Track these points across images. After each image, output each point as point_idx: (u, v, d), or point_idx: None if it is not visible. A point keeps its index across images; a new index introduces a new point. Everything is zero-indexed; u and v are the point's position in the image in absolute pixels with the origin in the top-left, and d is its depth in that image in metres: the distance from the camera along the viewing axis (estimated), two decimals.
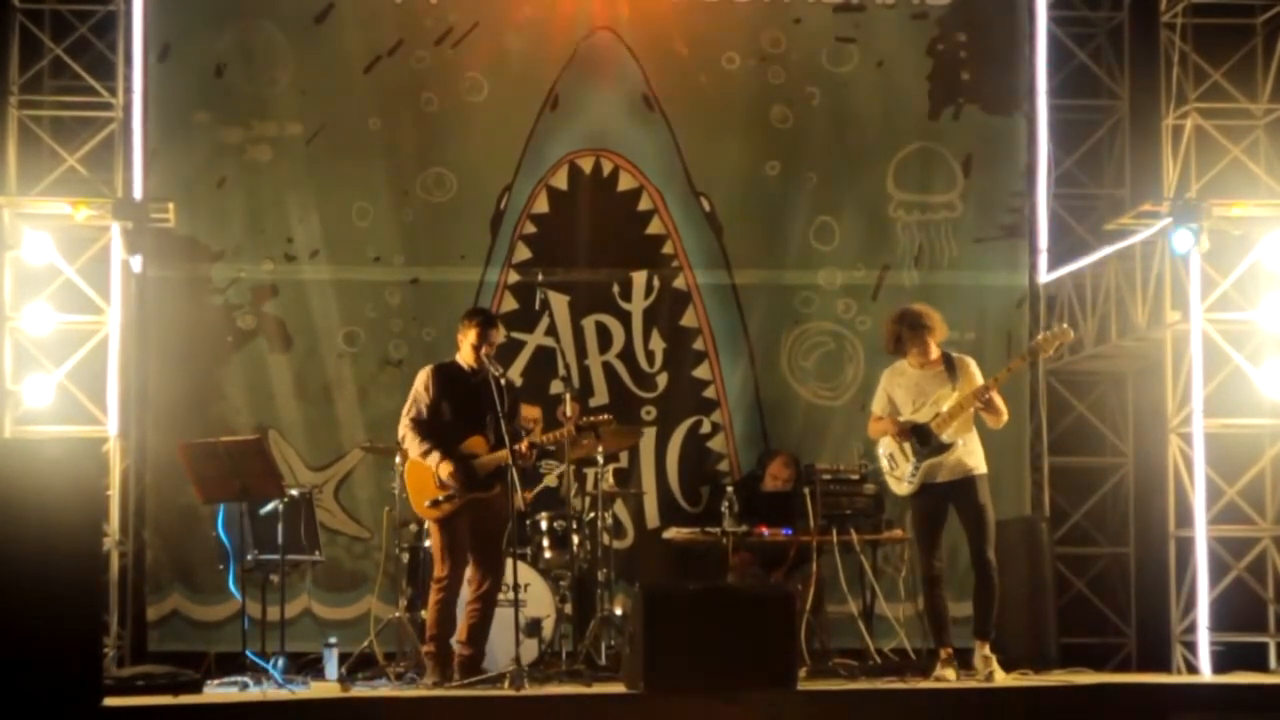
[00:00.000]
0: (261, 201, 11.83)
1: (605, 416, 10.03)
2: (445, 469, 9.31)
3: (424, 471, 9.41)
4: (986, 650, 9.59)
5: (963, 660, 9.72)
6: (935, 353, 9.78)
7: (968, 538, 9.73)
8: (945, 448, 9.62)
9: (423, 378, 9.57)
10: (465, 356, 9.53)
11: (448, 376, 9.54)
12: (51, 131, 11.58)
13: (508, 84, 12.03)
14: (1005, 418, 9.74)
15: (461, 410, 9.46)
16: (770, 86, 12.17)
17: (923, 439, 9.66)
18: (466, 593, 9.49)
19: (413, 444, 9.45)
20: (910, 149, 12.21)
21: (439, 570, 9.41)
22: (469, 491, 9.34)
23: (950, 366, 9.75)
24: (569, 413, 10.21)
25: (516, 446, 9.31)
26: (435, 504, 9.36)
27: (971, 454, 9.68)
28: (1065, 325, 9.97)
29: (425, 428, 9.44)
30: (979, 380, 9.72)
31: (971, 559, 9.72)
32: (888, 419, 9.80)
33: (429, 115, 11.96)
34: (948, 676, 9.53)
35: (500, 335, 9.73)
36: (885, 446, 9.87)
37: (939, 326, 9.79)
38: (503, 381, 9.45)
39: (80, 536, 7.99)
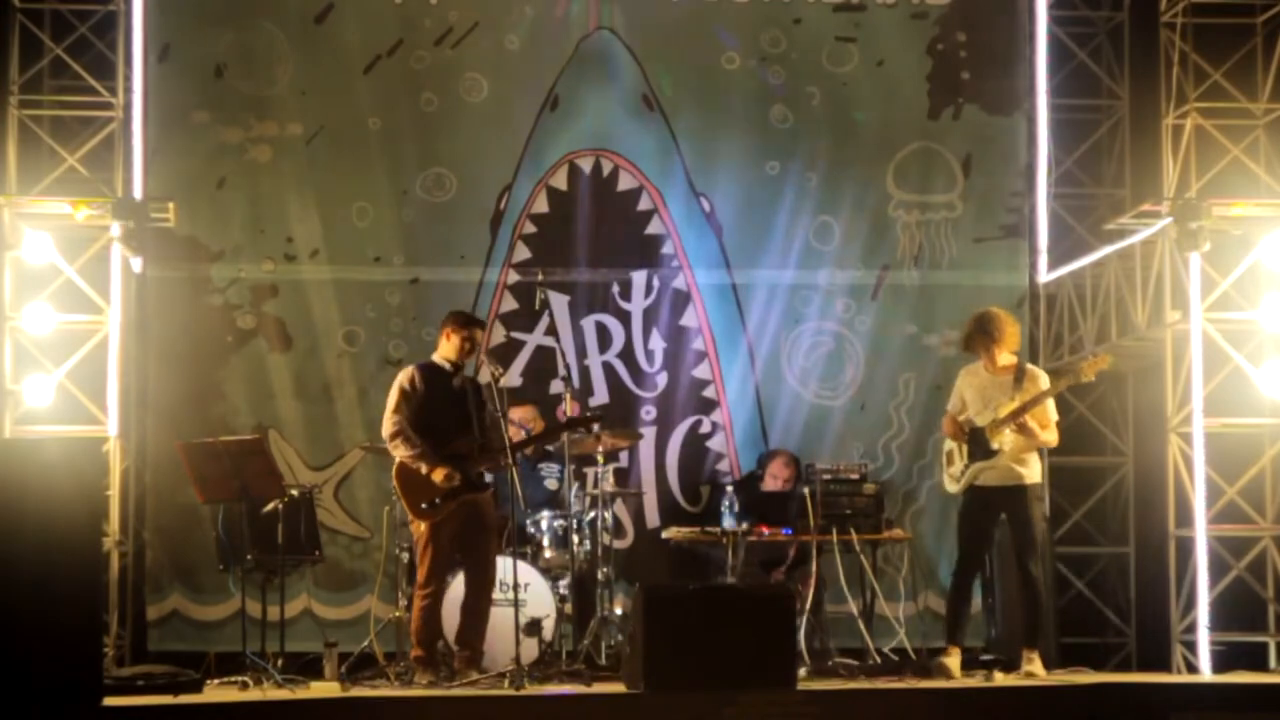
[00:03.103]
0: (261, 201, 11.83)
1: (591, 413, 10.04)
2: (439, 475, 9.32)
3: (417, 472, 9.42)
4: (1034, 656, 9.80)
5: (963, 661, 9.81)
6: (1002, 361, 9.96)
7: (1013, 546, 9.94)
8: (992, 454, 9.74)
9: (407, 376, 9.55)
10: (446, 355, 9.56)
11: (432, 375, 9.56)
12: (51, 131, 11.57)
13: (508, 84, 12.03)
14: (1046, 440, 9.91)
15: (449, 410, 9.48)
16: (770, 86, 12.17)
17: (975, 442, 9.81)
18: (461, 594, 9.53)
19: (403, 447, 9.42)
20: (910, 149, 12.21)
21: (424, 574, 9.41)
22: (464, 493, 9.36)
23: (1019, 377, 9.91)
24: (569, 412, 10.23)
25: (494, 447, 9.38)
26: (432, 506, 9.36)
27: (1024, 464, 9.84)
28: (1106, 354, 10.08)
29: (415, 429, 9.45)
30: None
31: (1015, 569, 9.93)
32: (949, 419, 9.99)
33: (429, 115, 11.96)
34: (950, 668, 9.61)
35: (483, 335, 9.76)
36: (948, 443, 10.07)
37: (1007, 338, 9.98)
38: (487, 380, 9.49)
39: (80, 536, 8.00)
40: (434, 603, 9.43)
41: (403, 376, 9.59)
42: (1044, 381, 9.95)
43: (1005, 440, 9.76)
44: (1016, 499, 9.82)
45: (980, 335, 9.97)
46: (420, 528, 9.44)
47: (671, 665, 8.65)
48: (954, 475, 9.99)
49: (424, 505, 9.37)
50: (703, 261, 12.09)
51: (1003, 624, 11.14)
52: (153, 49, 11.70)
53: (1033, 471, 9.89)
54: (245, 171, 11.83)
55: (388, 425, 9.52)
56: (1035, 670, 9.74)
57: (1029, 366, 10.09)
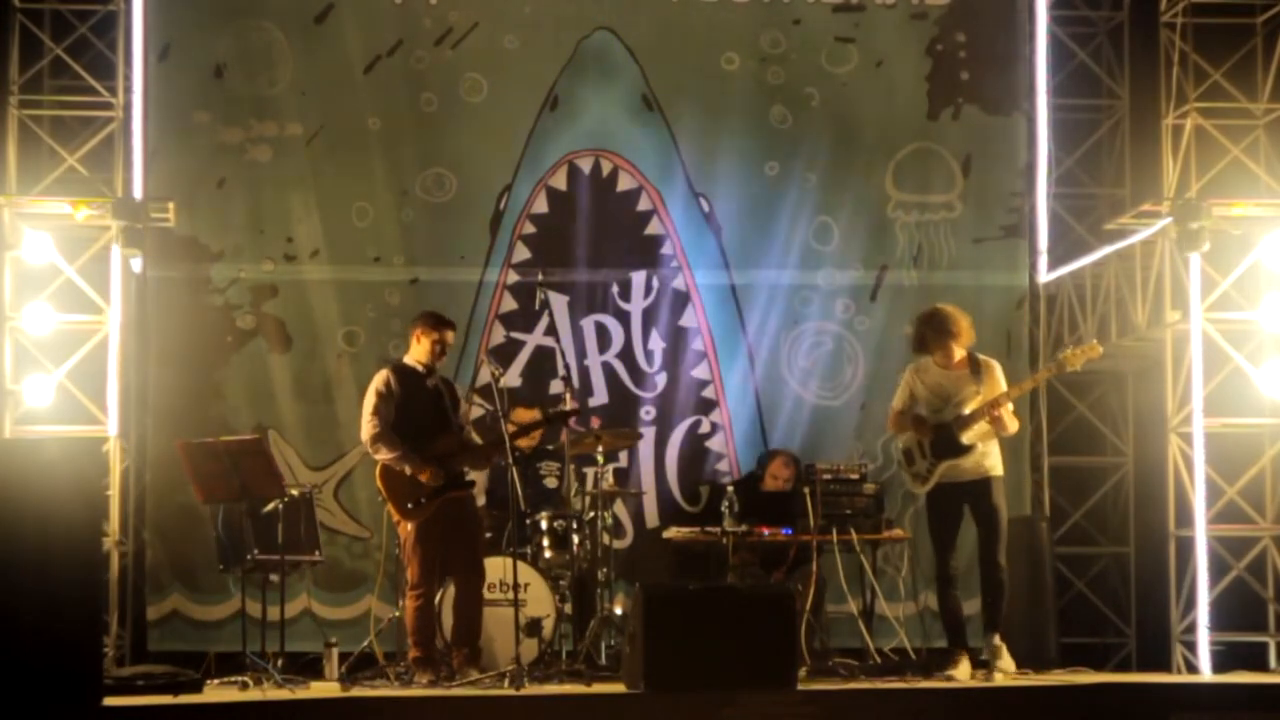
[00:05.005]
0: (261, 201, 11.84)
1: (566, 408, 10.10)
2: (424, 474, 9.36)
3: (401, 473, 9.44)
4: (996, 640, 9.70)
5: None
6: (959, 356, 9.87)
7: (979, 539, 9.82)
8: (964, 450, 9.70)
9: (382, 380, 9.58)
10: (418, 358, 9.60)
11: (406, 377, 9.59)
12: (51, 131, 11.58)
13: (508, 84, 12.03)
14: (1013, 429, 9.82)
15: (426, 411, 9.53)
16: (770, 86, 12.18)
17: (943, 439, 9.71)
18: (452, 593, 9.57)
19: (385, 450, 9.45)
20: (909, 149, 12.21)
21: (414, 574, 9.43)
22: (448, 490, 9.40)
23: (975, 369, 9.83)
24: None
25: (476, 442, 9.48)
26: (418, 506, 9.38)
27: (989, 455, 9.77)
28: (1095, 341, 9.97)
29: (395, 430, 9.47)
30: (1002, 384, 9.83)
31: (980, 560, 9.80)
32: (910, 416, 9.86)
33: (429, 115, 11.96)
34: (957, 676, 9.57)
35: (454, 336, 9.79)
36: (904, 442, 9.96)
37: (965, 332, 9.88)
38: (485, 380, 9.57)
39: (80, 536, 7.99)
40: (426, 603, 9.47)
41: (378, 380, 9.61)
42: (999, 370, 9.89)
43: (976, 435, 9.72)
44: (984, 491, 9.73)
45: (937, 335, 9.82)
46: (406, 528, 9.47)
47: (671, 665, 8.65)
48: (919, 474, 9.85)
49: (410, 505, 9.40)
50: (702, 262, 12.09)
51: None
52: (153, 49, 11.70)
53: (998, 463, 9.81)
54: (245, 171, 11.83)
55: (367, 429, 9.53)
56: (1004, 664, 9.61)
57: (981, 357, 9.98)
